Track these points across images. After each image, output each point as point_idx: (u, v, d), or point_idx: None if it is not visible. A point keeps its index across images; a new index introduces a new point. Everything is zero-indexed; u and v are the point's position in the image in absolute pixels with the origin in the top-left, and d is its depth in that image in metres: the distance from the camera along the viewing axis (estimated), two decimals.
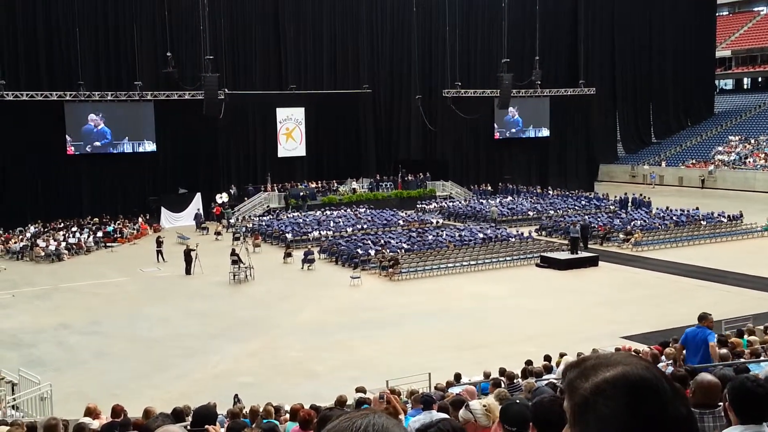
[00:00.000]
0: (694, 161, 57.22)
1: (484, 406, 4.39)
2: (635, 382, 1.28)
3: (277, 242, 35.88)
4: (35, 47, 40.57)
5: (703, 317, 10.14)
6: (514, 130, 54.10)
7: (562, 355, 14.00)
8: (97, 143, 42.05)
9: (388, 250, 31.16)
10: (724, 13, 72.15)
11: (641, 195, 44.47)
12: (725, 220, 37.04)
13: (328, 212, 41.85)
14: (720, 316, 19.75)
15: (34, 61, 40.66)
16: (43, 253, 33.62)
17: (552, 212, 41.97)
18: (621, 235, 34.57)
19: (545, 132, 54.81)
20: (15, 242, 35.30)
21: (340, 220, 39.38)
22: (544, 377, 12.19)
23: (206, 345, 20.96)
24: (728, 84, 71.41)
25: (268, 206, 43.86)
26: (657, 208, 40.68)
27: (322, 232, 36.60)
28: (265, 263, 30.89)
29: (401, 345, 20.46)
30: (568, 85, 54.37)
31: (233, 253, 29.49)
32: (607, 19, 58.15)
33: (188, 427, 6.77)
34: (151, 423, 4.13)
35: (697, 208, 38.80)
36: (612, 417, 1.26)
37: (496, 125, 53.24)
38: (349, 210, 42.54)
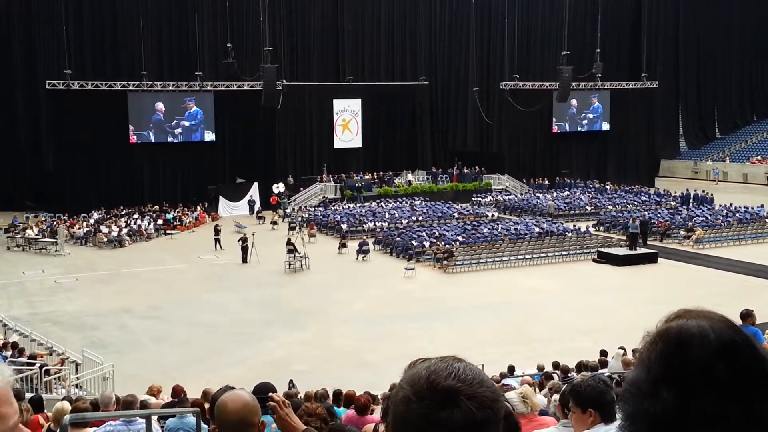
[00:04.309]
0: (759, 157, 55.52)
1: (520, 393, 4.49)
2: (675, 334, 1.21)
3: (332, 233, 36.13)
4: (101, 38, 41.76)
5: (747, 315, 9.35)
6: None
7: (621, 349, 13.76)
8: (166, 131, 43.05)
9: (442, 243, 31.09)
10: None
11: (704, 191, 43.37)
12: None
13: (384, 204, 41.96)
14: None
15: (99, 52, 41.87)
16: (105, 239, 34.53)
17: (610, 207, 41.28)
18: (682, 232, 33.78)
19: (605, 126, 53.87)
20: (79, 228, 36.32)
21: (395, 211, 39.43)
22: (599, 371, 12.01)
23: (262, 332, 21.27)
24: None
25: (324, 197, 44.20)
26: (720, 205, 39.64)
27: (377, 223, 36.71)
28: (320, 253, 31.12)
29: (454, 337, 20.41)
30: (630, 78, 53.34)
31: (289, 242, 29.84)
32: (672, 11, 56.79)
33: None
34: (218, 393, 4.26)
35: (762, 206, 37.67)
36: (646, 360, 1.22)
37: (554, 118, 52.53)
38: (404, 202, 42.58)
